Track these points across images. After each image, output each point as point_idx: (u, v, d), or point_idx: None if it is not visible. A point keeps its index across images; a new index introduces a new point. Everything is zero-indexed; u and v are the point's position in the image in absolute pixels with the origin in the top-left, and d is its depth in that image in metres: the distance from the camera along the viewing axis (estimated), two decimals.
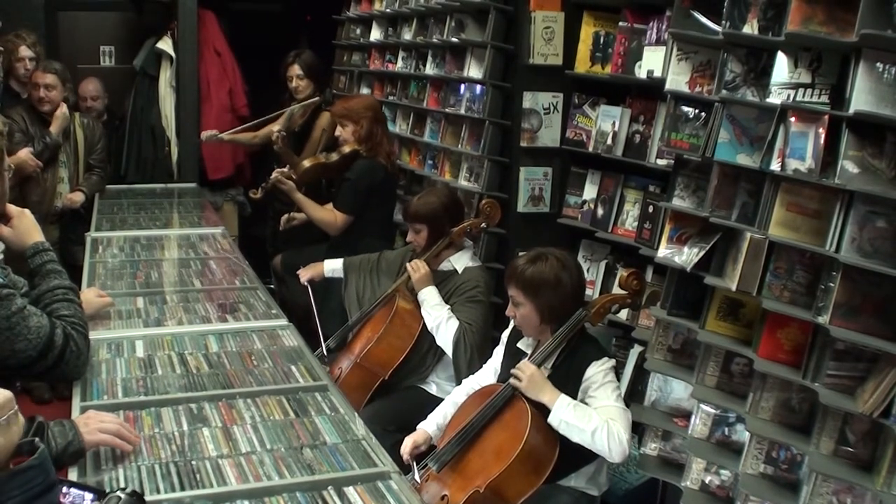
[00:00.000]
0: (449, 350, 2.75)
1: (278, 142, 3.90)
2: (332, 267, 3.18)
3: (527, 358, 2.28)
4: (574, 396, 2.17)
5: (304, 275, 3.18)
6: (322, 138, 4.11)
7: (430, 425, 2.44)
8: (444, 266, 2.93)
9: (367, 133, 3.49)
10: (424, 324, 2.83)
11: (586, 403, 2.16)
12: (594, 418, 2.08)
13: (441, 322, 2.77)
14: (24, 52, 4.07)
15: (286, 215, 3.93)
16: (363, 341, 2.90)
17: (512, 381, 2.20)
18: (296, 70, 4.28)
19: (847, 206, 1.91)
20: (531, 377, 2.17)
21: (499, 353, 2.51)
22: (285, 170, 3.60)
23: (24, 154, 3.67)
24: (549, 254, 2.28)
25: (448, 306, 2.81)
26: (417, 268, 2.86)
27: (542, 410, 2.17)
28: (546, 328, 2.28)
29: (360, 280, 3.12)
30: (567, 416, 2.10)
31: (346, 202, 3.45)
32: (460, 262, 2.91)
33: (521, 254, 2.36)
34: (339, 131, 3.56)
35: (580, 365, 2.21)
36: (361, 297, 3.09)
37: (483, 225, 3.04)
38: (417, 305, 2.87)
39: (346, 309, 3.13)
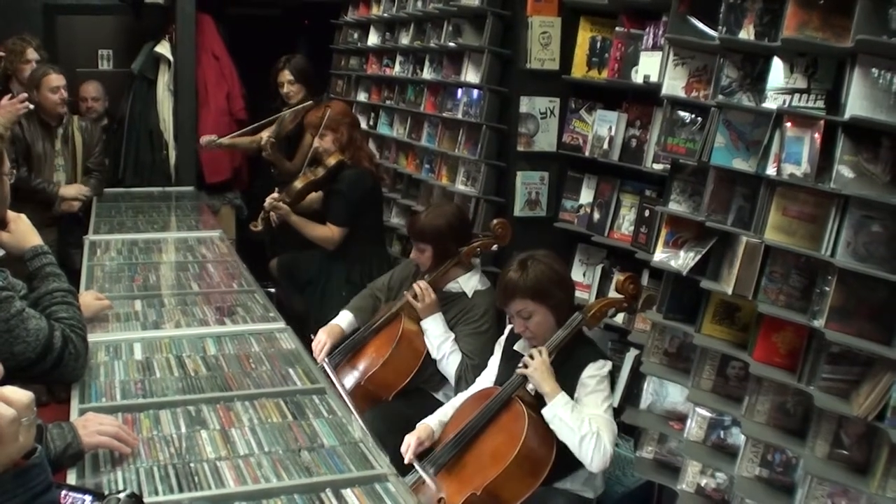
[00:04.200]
0: (451, 381, 2.74)
1: (267, 147, 3.92)
2: (348, 322, 2.97)
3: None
4: (571, 396, 2.19)
5: (324, 347, 2.83)
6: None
7: (433, 420, 2.42)
8: (452, 287, 2.87)
9: (348, 139, 3.51)
10: None
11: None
12: (587, 424, 2.10)
13: (444, 355, 2.73)
14: (32, 54, 4.09)
15: (273, 211, 3.85)
16: (368, 362, 2.81)
17: (524, 358, 2.22)
18: (286, 75, 4.28)
19: (842, 210, 1.93)
20: (541, 364, 2.18)
21: (496, 356, 2.52)
22: (276, 195, 3.59)
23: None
24: (534, 255, 2.31)
25: (452, 336, 2.76)
26: (423, 296, 2.77)
27: (539, 413, 2.18)
28: (556, 329, 2.28)
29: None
30: (562, 413, 2.11)
31: (341, 216, 3.46)
32: (469, 284, 2.86)
33: (508, 267, 2.35)
34: (318, 142, 3.54)
35: (577, 366, 2.23)
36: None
37: (494, 247, 2.98)
38: None
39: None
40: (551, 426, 2.13)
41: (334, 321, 2.98)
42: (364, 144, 3.66)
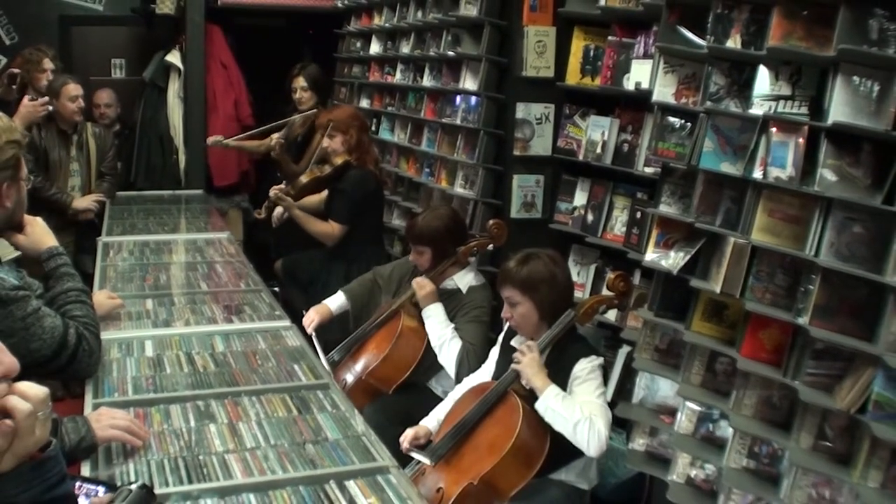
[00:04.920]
0: (451, 370, 2.75)
1: (276, 148, 4.01)
2: (338, 304, 3.10)
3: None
4: (563, 390, 2.22)
5: (312, 322, 2.98)
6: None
7: (431, 421, 2.49)
8: (448, 284, 2.91)
9: (357, 142, 3.58)
10: (429, 340, 2.82)
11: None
12: (578, 411, 2.14)
13: (445, 341, 2.76)
14: (48, 64, 4.18)
15: (276, 212, 3.90)
16: (368, 357, 2.88)
17: (515, 355, 2.27)
18: (301, 82, 4.39)
19: (826, 212, 1.97)
20: (531, 360, 2.23)
21: (494, 351, 2.57)
22: (283, 186, 3.67)
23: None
24: (538, 252, 2.36)
25: (452, 325, 2.80)
26: (423, 285, 2.84)
27: (534, 406, 2.22)
28: (543, 325, 2.34)
29: (366, 305, 3.12)
30: (553, 404, 2.16)
31: (343, 213, 3.53)
32: (464, 280, 2.90)
33: (512, 257, 2.44)
34: (327, 142, 3.62)
35: (569, 362, 2.27)
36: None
37: (490, 246, 3.04)
38: (422, 322, 2.85)
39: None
40: (545, 418, 2.17)
41: (326, 300, 3.10)
42: (371, 148, 3.73)
